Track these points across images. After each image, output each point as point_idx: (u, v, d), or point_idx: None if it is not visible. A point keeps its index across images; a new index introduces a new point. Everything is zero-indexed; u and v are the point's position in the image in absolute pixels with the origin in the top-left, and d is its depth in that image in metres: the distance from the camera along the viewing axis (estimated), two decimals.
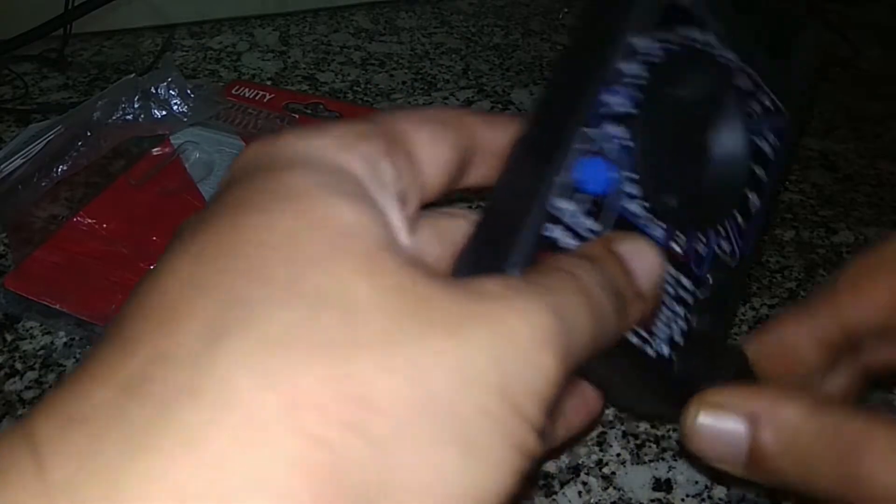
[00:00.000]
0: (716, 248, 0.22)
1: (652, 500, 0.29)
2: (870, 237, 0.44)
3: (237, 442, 0.12)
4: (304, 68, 0.56)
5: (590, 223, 0.19)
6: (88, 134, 0.39)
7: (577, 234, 0.19)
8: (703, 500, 0.30)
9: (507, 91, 0.55)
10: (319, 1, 0.64)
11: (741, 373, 0.21)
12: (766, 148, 0.24)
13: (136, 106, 0.40)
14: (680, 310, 0.21)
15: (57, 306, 0.34)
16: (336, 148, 0.16)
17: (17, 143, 0.40)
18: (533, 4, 0.68)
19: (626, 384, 0.22)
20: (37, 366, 0.33)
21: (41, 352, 0.34)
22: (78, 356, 0.33)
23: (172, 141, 0.43)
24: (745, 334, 0.37)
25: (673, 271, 0.21)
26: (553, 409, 0.15)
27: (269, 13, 0.62)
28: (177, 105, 0.41)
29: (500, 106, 0.53)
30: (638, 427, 0.32)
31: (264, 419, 0.12)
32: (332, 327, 0.13)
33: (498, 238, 0.18)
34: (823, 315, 0.23)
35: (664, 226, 0.21)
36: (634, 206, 0.20)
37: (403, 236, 0.16)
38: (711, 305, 0.22)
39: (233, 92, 0.49)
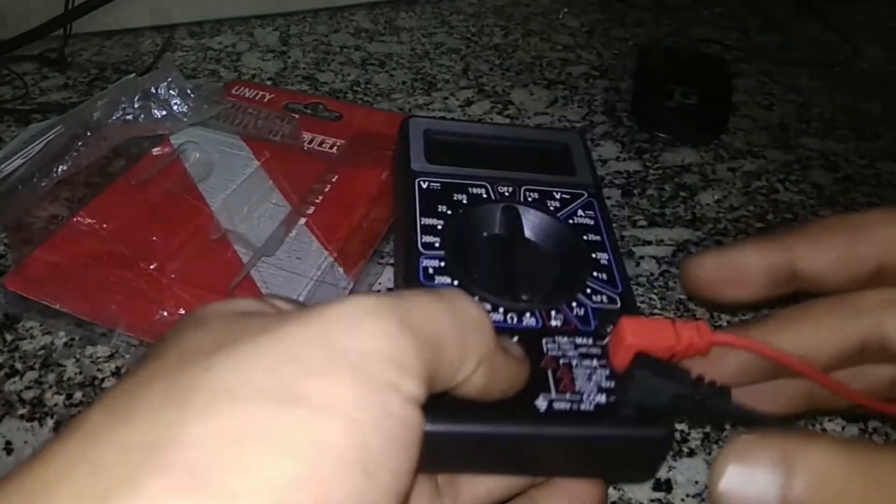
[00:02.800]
0: (591, 304, 0.26)
1: (652, 500, 0.29)
2: None
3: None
4: (304, 68, 0.56)
5: None
6: (88, 134, 0.39)
7: None
8: (703, 500, 0.30)
9: (507, 91, 0.55)
10: (319, 1, 0.64)
11: (683, 380, 0.22)
12: (586, 220, 0.29)
13: (136, 106, 0.40)
14: (593, 362, 0.24)
15: (57, 306, 0.34)
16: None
17: (17, 143, 0.40)
18: (533, 4, 0.68)
19: (596, 454, 0.24)
20: (37, 366, 0.33)
21: (41, 352, 0.34)
22: (78, 356, 0.33)
23: (172, 141, 0.43)
24: None
25: (566, 340, 0.25)
26: (425, 370, 0.17)
27: (269, 13, 0.62)
28: (177, 105, 0.41)
29: (500, 106, 0.53)
30: None
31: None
32: (169, 362, 0.16)
33: None
34: (776, 248, 0.24)
35: (533, 315, 0.25)
36: (495, 318, 0.25)
37: None
38: None
39: (233, 92, 0.49)
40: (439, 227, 0.27)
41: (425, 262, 0.26)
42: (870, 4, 0.72)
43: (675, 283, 0.39)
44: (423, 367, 0.17)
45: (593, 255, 0.27)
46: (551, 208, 0.29)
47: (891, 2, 0.72)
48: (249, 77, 0.54)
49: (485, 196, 0.28)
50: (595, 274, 0.27)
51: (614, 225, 0.43)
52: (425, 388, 0.17)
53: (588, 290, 0.26)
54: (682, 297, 0.38)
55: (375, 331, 0.16)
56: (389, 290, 0.38)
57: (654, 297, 0.38)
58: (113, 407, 0.15)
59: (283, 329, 0.16)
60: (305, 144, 0.44)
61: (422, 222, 0.27)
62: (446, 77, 0.56)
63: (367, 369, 0.16)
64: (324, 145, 0.45)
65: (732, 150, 0.50)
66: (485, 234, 0.28)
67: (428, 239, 0.26)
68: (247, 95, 0.49)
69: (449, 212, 0.28)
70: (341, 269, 0.36)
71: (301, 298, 0.34)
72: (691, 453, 0.31)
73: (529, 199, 0.29)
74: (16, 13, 0.52)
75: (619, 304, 0.26)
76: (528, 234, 0.28)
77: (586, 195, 0.29)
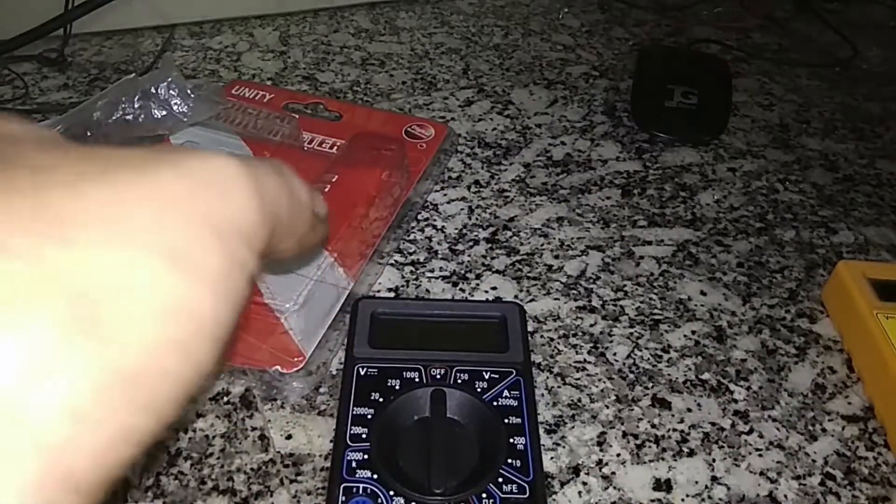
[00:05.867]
0: (501, 495, 0.27)
1: (652, 500, 0.29)
2: (870, 237, 0.44)
3: None
4: (304, 68, 0.56)
5: None
6: (88, 134, 0.39)
7: None
8: (703, 500, 0.30)
9: (507, 91, 0.55)
10: (319, 1, 0.64)
11: None
12: (510, 401, 0.30)
13: (136, 106, 0.40)
14: None
15: None
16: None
17: None
18: (533, 4, 0.68)
19: None
20: None
21: None
22: None
23: (172, 141, 0.43)
24: (746, 335, 0.37)
25: None
26: (262, 247, 0.17)
27: (269, 13, 0.62)
28: (177, 105, 0.41)
29: (500, 106, 0.53)
30: (638, 427, 0.32)
31: None
32: (21, 179, 0.14)
33: None
34: None
35: (447, 501, 0.27)
36: None
37: None
38: None
39: (233, 92, 0.49)
40: (369, 416, 0.29)
41: (350, 456, 0.28)
42: (870, 4, 0.72)
43: (675, 283, 0.39)
44: (263, 246, 0.17)
45: (511, 440, 0.29)
46: (478, 390, 0.31)
47: (891, 2, 0.72)
48: (249, 77, 0.54)
49: (417, 380, 0.31)
50: (509, 461, 0.28)
51: (614, 225, 0.43)
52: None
53: (500, 479, 0.28)
54: (682, 296, 0.38)
55: (242, 206, 0.17)
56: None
57: (654, 297, 0.38)
58: None
59: (158, 174, 0.15)
60: (305, 144, 0.44)
61: (353, 412, 0.30)
62: (446, 77, 0.56)
63: (231, 243, 0.16)
64: (324, 145, 0.45)
65: (732, 150, 0.50)
66: (415, 417, 0.30)
67: (356, 430, 0.29)
68: (247, 95, 0.49)
69: (381, 399, 0.30)
70: (341, 269, 0.36)
71: (301, 298, 0.34)
72: (691, 453, 0.31)
73: (459, 381, 0.31)
74: (16, 13, 0.52)
75: (527, 494, 0.27)
76: (455, 416, 0.30)
77: (514, 373, 0.31)
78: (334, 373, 0.33)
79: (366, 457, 0.28)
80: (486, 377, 0.31)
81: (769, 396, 0.34)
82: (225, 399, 0.32)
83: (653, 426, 0.32)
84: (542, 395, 0.33)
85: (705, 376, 0.35)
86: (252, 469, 0.30)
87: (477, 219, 0.43)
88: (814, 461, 0.31)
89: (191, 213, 0.15)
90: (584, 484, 0.30)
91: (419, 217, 0.42)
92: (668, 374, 0.34)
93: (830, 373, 0.35)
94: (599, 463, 0.31)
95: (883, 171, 0.49)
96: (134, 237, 0.14)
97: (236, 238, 0.16)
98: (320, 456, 0.30)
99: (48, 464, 0.13)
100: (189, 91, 0.42)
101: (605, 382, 0.34)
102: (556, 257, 0.40)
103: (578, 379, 0.34)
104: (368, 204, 0.39)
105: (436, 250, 0.40)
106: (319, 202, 0.22)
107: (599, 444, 0.31)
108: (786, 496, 0.30)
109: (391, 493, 0.27)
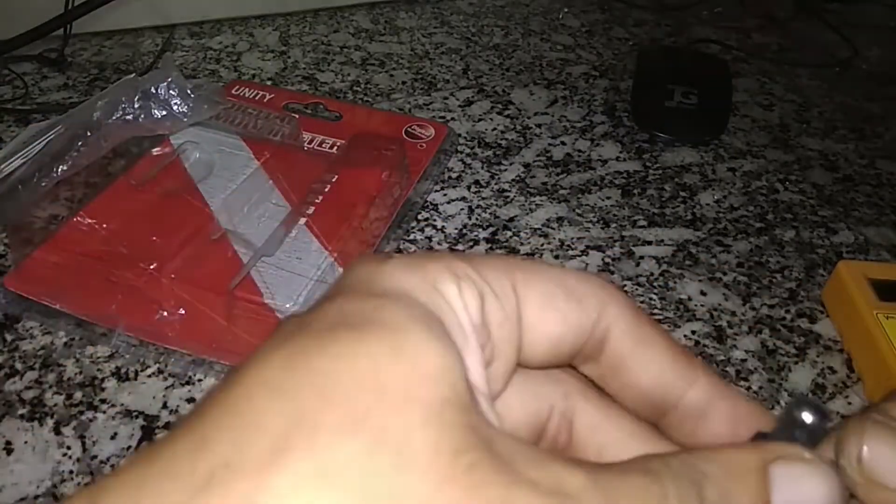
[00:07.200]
0: None
1: None
2: (870, 237, 0.44)
3: None
4: (304, 68, 0.56)
5: None
6: (88, 134, 0.39)
7: None
8: None
9: (507, 91, 0.55)
10: (319, 1, 0.64)
11: None
12: None
13: (136, 106, 0.40)
14: None
15: (57, 306, 0.34)
16: (430, 287, 0.16)
17: (17, 143, 0.40)
18: (533, 4, 0.68)
19: None
20: (37, 366, 0.33)
21: (41, 352, 0.34)
22: (78, 356, 0.33)
23: (172, 141, 0.43)
24: (746, 335, 0.37)
25: None
26: None
27: (269, 13, 0.62)
28: (177, 105, 0.41)
29: (500, 106, 0.53)
30: None
31: None
32: (383, 470, 0.14)
33: None
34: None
35: None
36: None
37: (480, 382, 0.16)
38: None
39: (233, 92, 0.49)
40: None
41: None
42: (870, 4, 0.72)
43: (675, 283, 0.39)
44: None
45: None
46: None
47: (891, 2, 0.72)
48: (249, 77, 0.54)
49: None
50: None
51: (614, 225, 0.43)
52: None
53: None
54: (682, 297, 0.38)
55: None
56: None
57: (654, 297, 0.38)
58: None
59: None
60: (305, 144, 0.44)
61: None
62: (446, 77, 0.56)
63: None
64: (324, 145, 0.45)
65: (732, 150, 0.50)
66: None
67: None
68: (247, 95, 0.49)
69: None
70: (341, 270, 0.36)
71: (301, 299, 0.34)
72: None
73: None
74: (16, 13, 0.52)
75: None
76: None
77: None
78: None
79: None
80: None
81: (769, 396, 0.34)
82: None
83: None
84: None
85: None
86: None
87: (477, 219, 0.43)
88: None
89: None
90: None
91: (419, 217, 0.42)
92: None
93: (830, 373, 0.35)
94: None
95: (883, 171, 0.49)
96: None
97: None
98: None
99: None
100: (189, 91, 0.42)
101: None
102: (556, 257, 0.40)
103: None
104: (368, 204, 0.39)
105: (436, 250, 0.40)
106: None
107: None
108: None
109: None
